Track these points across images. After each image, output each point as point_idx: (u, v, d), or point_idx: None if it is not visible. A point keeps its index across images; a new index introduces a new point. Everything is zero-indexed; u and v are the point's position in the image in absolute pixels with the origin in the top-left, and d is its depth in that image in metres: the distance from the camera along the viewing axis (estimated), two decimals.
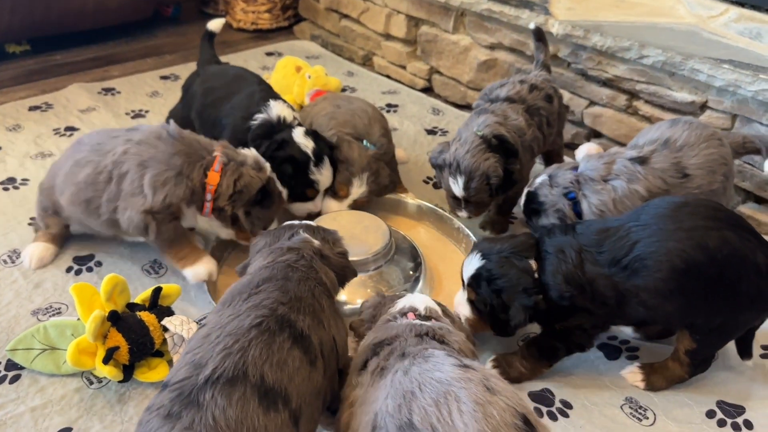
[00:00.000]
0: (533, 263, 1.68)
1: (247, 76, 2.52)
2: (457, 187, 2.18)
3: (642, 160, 1.96)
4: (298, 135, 2.25)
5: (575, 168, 2.03)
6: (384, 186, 2.40)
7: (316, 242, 1.62)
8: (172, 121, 2.04)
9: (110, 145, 1.98)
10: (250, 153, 2.09)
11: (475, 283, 1.72)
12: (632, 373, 1.83)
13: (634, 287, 1.62)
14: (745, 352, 1.80)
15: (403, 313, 1.52)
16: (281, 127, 2.27)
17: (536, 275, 1.67)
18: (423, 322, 1.45)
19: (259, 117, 2.29)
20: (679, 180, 1.93)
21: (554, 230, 1.75)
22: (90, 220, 2.06)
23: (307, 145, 2.23)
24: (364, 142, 2.37)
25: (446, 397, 1.13)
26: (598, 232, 1.68)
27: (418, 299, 1.59)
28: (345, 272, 1.66)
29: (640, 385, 1.81)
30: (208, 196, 1.97)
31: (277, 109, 2.30)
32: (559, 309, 1.67)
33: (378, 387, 1.25)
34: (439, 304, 1.62)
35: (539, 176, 2.08)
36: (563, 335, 1.75)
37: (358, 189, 2.32)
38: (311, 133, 2.30)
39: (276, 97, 2.40)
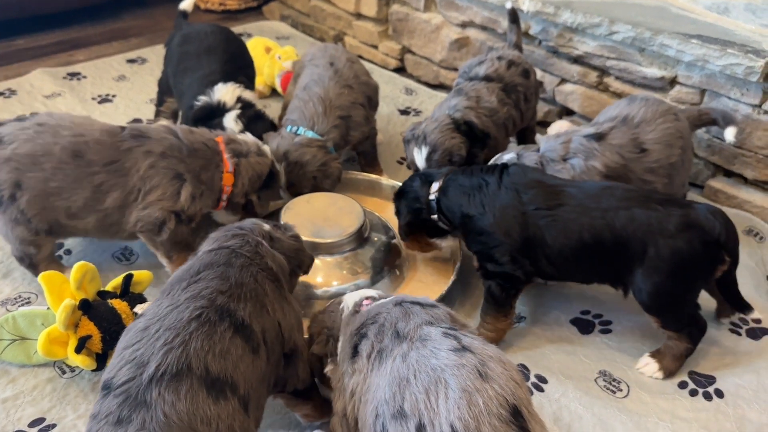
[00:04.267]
0: (436, 184, 1.92)
1: (218, 49, 2.50)
2: (420, 157, 2.27)
3: (599, 137, 2.01)
4: (229, 120, 2.33)
5: (538, 150, 2.08)
6: (315, 176, 2.29)
7: (267, 226, 1.61)
8: (176, 127, 2.00)
9: (128, 161, 1.88)
10: (250, 139, 2.13)
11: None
12: (647, 365, 1.83)
13: (542, 238, 1.76)
14: (739, 307, 1.89)
15: (360, 304, 1.49)
16: (219, 111, 2.34)
17: (432, 191, 1.92)
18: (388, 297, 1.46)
19: (202, 99, 2.37)
20: (637, 155, 2.00)
21: (473, 171, 1.90)
22: (100, 234, 1.99)
23: (235, 129, 2.31)
24: (299, 129, 2.32)
25: (436, 384, 1.14)
26: (533, 181, 1.82)
27: (363, 292, 1.55)
28: (299, 256, 1.64)
29: (659, 375, 1.81)
30: (224, 197, 2.03)
31: (219, 94, 2.37)
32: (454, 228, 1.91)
33: (380, 373, 1.25)
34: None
35: (507, 153, 2.11)
36: (481, 268, 1.86)
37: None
38: (247, 115, 2.35)
39: (231, 78, 2.42)
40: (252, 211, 2.13)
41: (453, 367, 1.16)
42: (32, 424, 1.62)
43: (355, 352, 1.35)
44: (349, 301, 1.53)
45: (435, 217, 1.94)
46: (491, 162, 2.12)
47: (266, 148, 2.16)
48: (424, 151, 2.25)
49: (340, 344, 1.45)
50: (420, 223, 1.98)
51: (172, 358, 1.17)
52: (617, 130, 2.02)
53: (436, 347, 1.21)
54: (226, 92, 2.38)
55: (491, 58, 2.45)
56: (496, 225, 1.78)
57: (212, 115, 2.34)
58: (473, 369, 1.15)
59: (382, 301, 1.44)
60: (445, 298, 1.98)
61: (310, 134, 2.31)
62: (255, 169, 2.05)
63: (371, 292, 1.56)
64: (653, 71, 2.54)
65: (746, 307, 1.88)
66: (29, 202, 1.85)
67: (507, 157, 2.08)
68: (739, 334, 1.95)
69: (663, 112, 2.04)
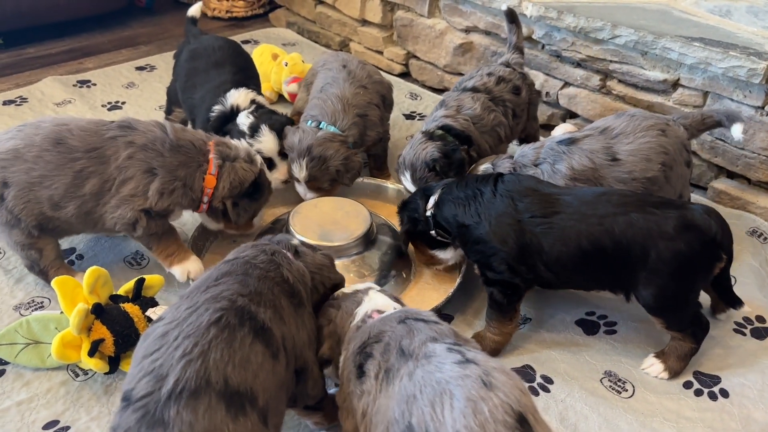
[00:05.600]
0: (432, 199, 1.95)
1: (226, 63, 2.54)
2: (407, 181, 2.26)
3: (571, 141, 2.03)
4: (241, 116, 2.35)
5: (511, 156, 2.11)
6: (338, 170, 2.31)
7: (296, 240, 1.60)
8: (168, 124, 2.00)
9: (110, 149, 1.88)
10: (242, 146, 2.12)
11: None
12: (653, 366, 1.85)
13: (539, 245, 1.76)
14: (731, 303, 1.91)
15: (368, 317, 1.49)
16: (234, 115, 2.37)
17: (428, 207, 1.95)
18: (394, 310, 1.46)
19: (216, 109, 2.39)
20: (608, 162, 1.99)
21: (467, 181, 1.91)
22: (82, 227, 2.00)
23: (245, 123, 2.33)
24: (321, 123, 2.35)
25: (441, 396, 1.15)
26: (528, 189, 1.83)
27: (378, 300, 1.54)
28: (323, 272, 1.60)
29: (664, 375, 1.82)
30: (205, 199, 2.00)
31: (232, 99, 2.40)
32: (455, 237, 1.92)
33: (389, 395, 1.25)
34: (396, 299, 1.59)
35: (483, 164, 2.14)
36: (482, 275, 1.87)
37: (300, 173, 2.32)
38: (257, 111, 2.37)
39: (243, 85, 2.45)
40: (230, 220, 2.09)
41: (457, 378, 1.16)
42: (46, 427, 1.65)
43: (361, 372, 1.34)
44: (361, 311, 1.51)
45: (433, 232, 1.97)
46: (467, 174, 2.15)
47: (258, 158, 2.14)
48: (408, 174, 2.24)
49: (342, 358, 1.45)
50: (418, 234, 2.02)
51: (191, 372, 1.14)
52: (592, 138, 2.03)
53: (440, 362, 1.22)
54: (239, 96, 2.40)
55: (481, 74, 2.44)
56: (491, 233, 1.79)
57: (227, 121, 2.36)
58: (477, 379, 1.15)
59: (387, 315, 1.43)
60: (452, 300, 2.01)
61: (332, 129, 2.34)
62: (238, 174, 2.01)
63: (383, 302, 1.53)
64: (656, 74, 2.55)
65: (737, 302, 1.90)
66: (15, 197, 1.86)
67: (482, 167, 2.11)
68: (744, 334, 1.96)
69: (646, 127, 2.02)
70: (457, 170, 2.22)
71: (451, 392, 1.14)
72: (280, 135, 2.36)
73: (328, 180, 2.32)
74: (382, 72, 3.05)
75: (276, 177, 2.36)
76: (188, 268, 1.99)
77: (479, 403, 1.11)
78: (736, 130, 2.09)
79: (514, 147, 2.66)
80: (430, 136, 2.25)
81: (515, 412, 1.12)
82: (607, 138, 2.02)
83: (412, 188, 2.25)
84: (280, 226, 2.21)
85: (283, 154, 2.37)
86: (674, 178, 2.05)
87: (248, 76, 2.58)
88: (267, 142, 2.33)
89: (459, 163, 2.22)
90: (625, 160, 1.99)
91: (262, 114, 2.38)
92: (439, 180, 2.20)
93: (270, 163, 2.35)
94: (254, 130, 2.32)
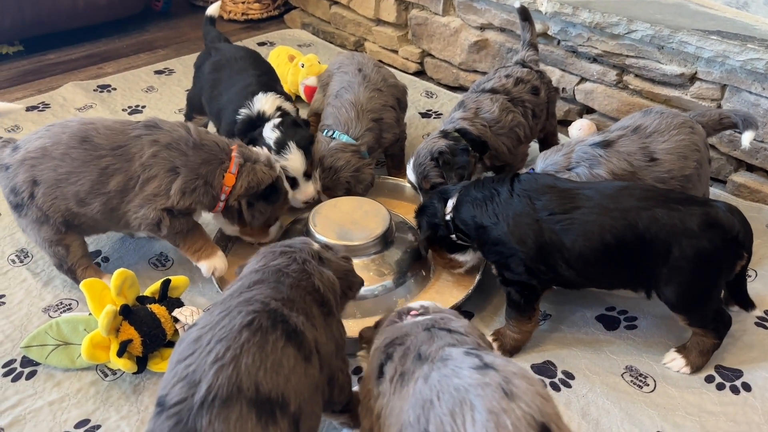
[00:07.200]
0: (451, 202, 1.95)
1: (249, 68, 2.57)
2: (409, 168, 2.30)
3: (606, 144, 2.01)
4: (267, 129, 2.33)
5: (532, 169, 2.08)
6: (349, 181, 2.35)
7: (316, 246, 1.61)
8: (192, 125, 2.03)
9: (135, 147, 1.93)
10: (263, 152, 2.15)
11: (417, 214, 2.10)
12: (674, 361, 1.85)
13: (559, 242, 1.75)
14: (743, 304, 1.89)
15: (406, 313, 1.50)
16: (260, 121, 2.37)
17: (447, 212, 1.95)
18: (426, 315, 1.46)
19: (243, 113, 2.40)
20: (646, 163, 1.98)
21: (484, 182, 1.91)
22: (108, 224, 2.04)
23: (270, 137, 2.31)
24: (335, 133, 2.38)
25: (461, 406, 1.12)
26: (545, 186, 1.82)
27: (424, 303, 1.55)
28: (348, 277, 1.62)
29: (686, 370, 1.83)
30: (223, 197, 2.03)
31: (258, 104, 2.41)
32: (471, 239, 1.93)
33: (402, 397, 1.24)
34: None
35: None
36: (499, 276, 1.87)
37: (313, 185, 2.37)
38: (284, 123, 2.35)
39: (268, 88, 2.47)
40: (244, 220, 2.11)
41: (477, 386, 1.13)
42: (78, 426, 1.69)
43: (380, 372, 1.35)
44: (403, 307, 1.54)
45: (453, 236, 1.97)
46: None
47: (278, 165, 2.16)
48: (411, 160, 2.28)
49: (372, 347, 1.47)
50: (438, 239, 2.02)
51: (223, 378, 1.15)
52: (626, 138, 2.00)
53: (457, 366, 1.20)
54: (266, 101, 2.41)
55: (499, 76, 2.44)
56: (509, 234, 1.79)
57: (254, 126, 2.36)
58: (498, 387, 1.12)
59: (418, 320, 1.43)
60: (471, 298, 2.02)
61: (345, 138, 2.37)
62: (256, 175, 2.04)
63: (425, 303, 1.54)
64: (673, 68, 2.55)
65: (749, 305, 1.89)
66: (44, 194, 1.91)
67: None
68: (766, 327, 1.96)
69: (678, 124, 2.01)
70: (459, 171, 2.23)
71: (472, 403, 1.11)
72: (307, 152, 2.34)
73: (341, 190, 2.36)
74: (397, 71, 3.08)
75: (297, 197, 2.35)
76: (215, 263, 2.04)
77: (501, 416, 1.08)
78: (746, 138, 2.07)
79: (534, 145, 2.67)
80: (445, 134, 2.27)
81: (538, 423, 1.09)
82: (641, 138, 2.01)
83: (411, 176, 2.30)
84: (300, 226, 2.24)
85: (307, 174, 2.36)
86: (703, 176, 2.05)
87: (271, 79, 2.61)
88: (294, 161, 2.30)
89: (462, 165, 2.22)
90: (663, 159, 1.98)
91: (288, 128, 2.33)
92: (439, 175, 2.23)
93: (293, 183, 2.32)
94: (281, 146, 2.30)
